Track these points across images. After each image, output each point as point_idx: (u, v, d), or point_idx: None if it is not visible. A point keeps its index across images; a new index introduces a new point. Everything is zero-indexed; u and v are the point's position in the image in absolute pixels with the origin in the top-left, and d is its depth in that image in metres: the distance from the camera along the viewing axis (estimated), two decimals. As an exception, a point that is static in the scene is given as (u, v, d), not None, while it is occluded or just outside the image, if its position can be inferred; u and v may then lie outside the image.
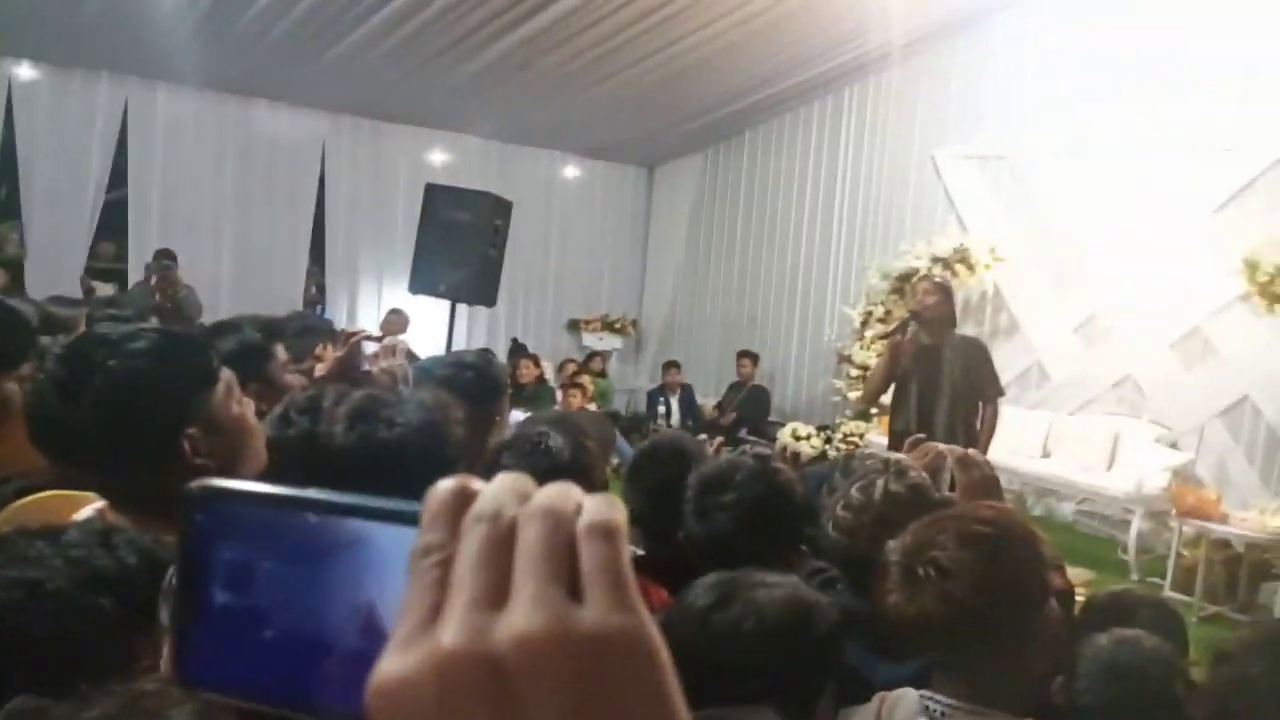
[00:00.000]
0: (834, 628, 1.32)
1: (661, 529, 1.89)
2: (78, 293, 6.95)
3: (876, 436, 7.10)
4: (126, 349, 1.23)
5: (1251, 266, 5.80)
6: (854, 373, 8.00)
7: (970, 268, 7.43)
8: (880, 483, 1.70)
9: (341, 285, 9.19)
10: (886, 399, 5.08)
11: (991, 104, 7.72)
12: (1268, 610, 5.06)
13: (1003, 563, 1.26)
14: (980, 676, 1.28)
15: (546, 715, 0.29)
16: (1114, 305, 6.92)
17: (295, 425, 1.27)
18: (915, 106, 8.26)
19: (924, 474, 1.77)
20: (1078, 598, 2.04)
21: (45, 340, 2.30)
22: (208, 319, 6.06)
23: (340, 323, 7.89)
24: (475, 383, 2.17)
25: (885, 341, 5.41)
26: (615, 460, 5.88)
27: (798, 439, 7.81)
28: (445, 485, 0.32)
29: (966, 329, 6.16)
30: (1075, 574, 2.76)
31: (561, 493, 0.32)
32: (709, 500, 1.79)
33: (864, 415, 7.67)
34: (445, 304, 6.11)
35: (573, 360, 9.47)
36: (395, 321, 7.97)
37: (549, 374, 8.91)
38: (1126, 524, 6.05)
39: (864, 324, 8.12)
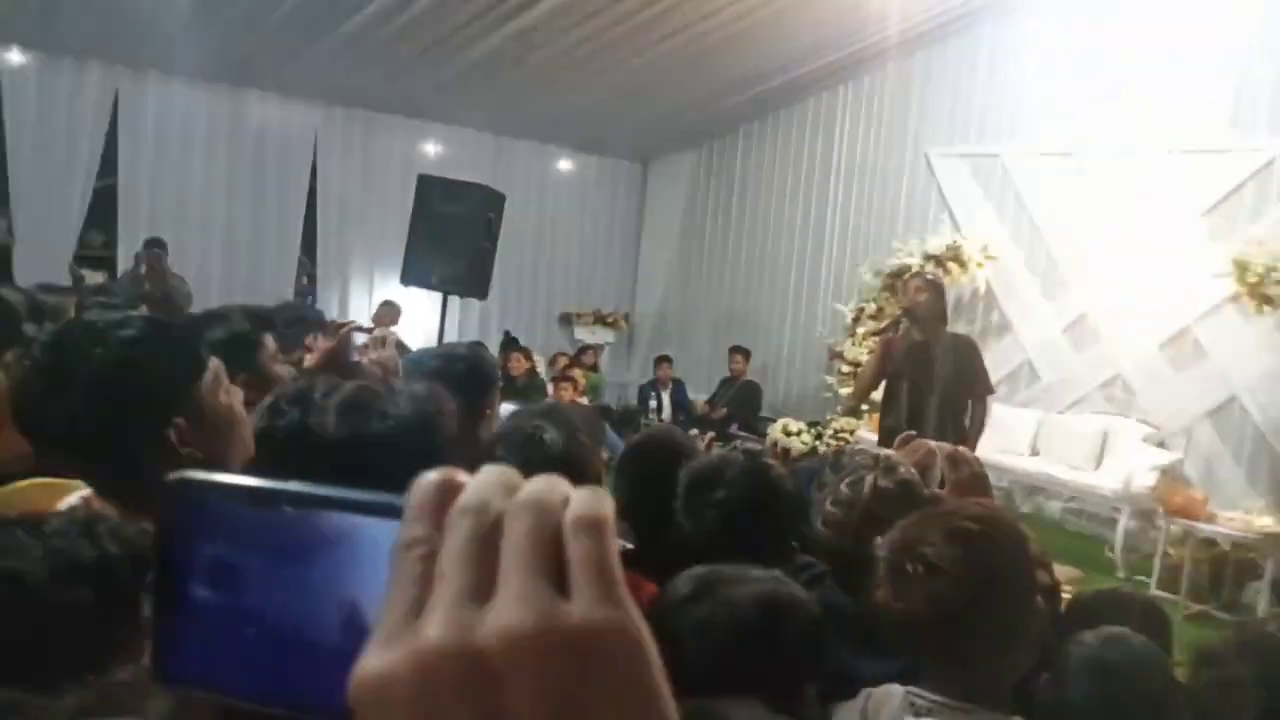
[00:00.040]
0: (811, 623, 1.32)
1: (651, 523, 1.88)
2: (66, 281, 6.90)
3: (867, 433, 7.12)
4: (114, 337, 1.22)
5: (1241, 268, 5.83)
6: (845, 369, 8.02)
7: (962, 266, 7.45)
8: (869, 479, 1.70)
9: (333, 276, 9.15)
10: (877, 395, 5.10)
11: (985, 103, 7.75)
12: (1252, 609, 5.09)
13: (990, 560, 1.26)
14: (966, 673, 1.28)
15: (533, 710, 0.28)
16: (1104, 305, 6.95)
17: (285, 416, 1.26)
18: (909, 105, 8.27)
19: (913, 470, 1.77)
20: (1064, 595, 2.06)
21: (31, 328, 2.28)
22: (197, 309, 6.03)
23: (331, 314, 7.85)
24: (466, 375, 2.15)
25: (877, 338, 5.42)
26: (606, 454, 5.88)
27: (789, 435, 7.82)
28: (430, 478, 0.32)
29: (958, 327, 6.19)
30: (1062, 572, 2.77)
31: (549, 485, 0.31)
32: (699, 497, 1.79)
33: (855, 411, 7.69)
34: (437, 296, 6.10)
35: (564, 354, 9.46)
36: (387, 313, 7.95)
37: (540, 367, 8.89)
38: (1114, 522, 6.09)
39: (856, 320, 8.14)
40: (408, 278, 6.11)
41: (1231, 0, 6.34)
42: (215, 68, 7.79)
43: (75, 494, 1.22)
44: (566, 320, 10.46)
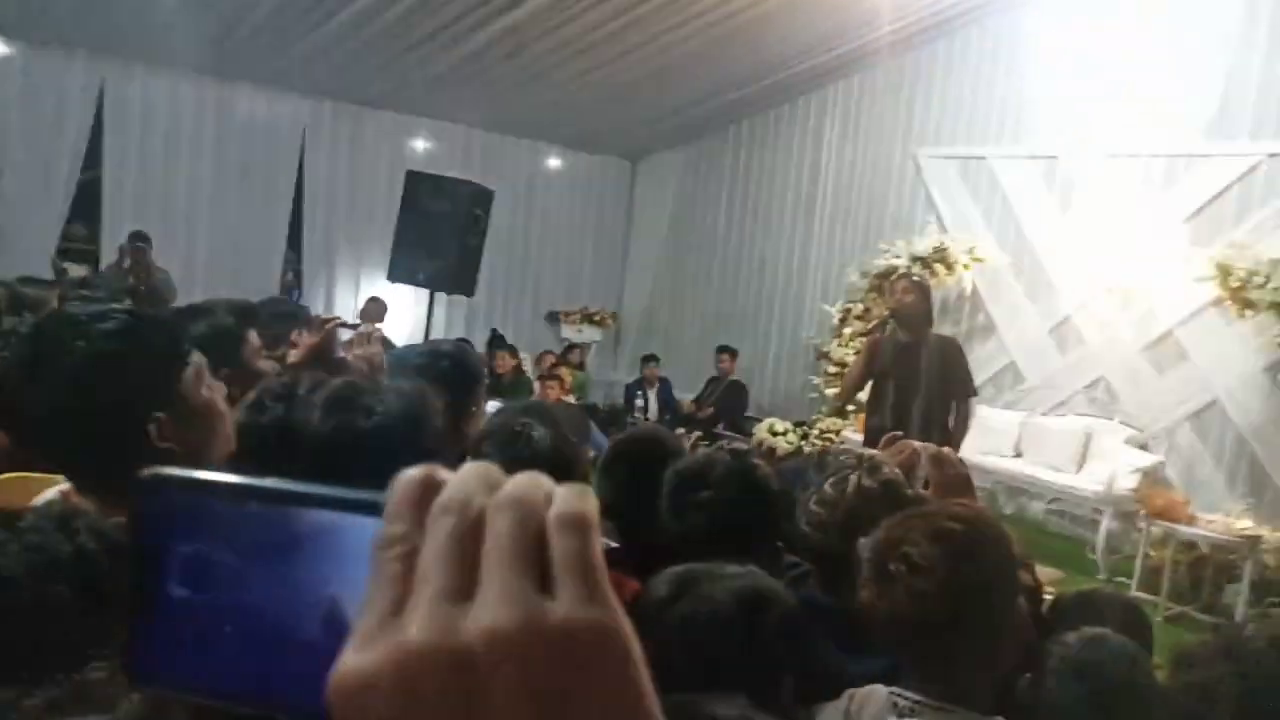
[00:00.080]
0: (788, 615, 1.32)
1: (636, 522, 1.88)
2: (48, 273, 6.83)
3: (852, 433, 7.15)
4: (94, 329, 1.21)
5: (1223, 272, 5.88)
6: (832, 370, 8.04)
7: (949, 268, 7.49)
8: (854, 479, 1.70)
9: (319, 272, 9.10)
10: (863, 396, 5.12)
11: (973, 105, 7.79)
12: (1231, 611, 5.14)
13: (973, 560, 1.27)
14: (948, 673, 1.28)
15: (516, 711, 0.28)
16: (1088, 308, 7.01)
17: (269, 412, 1.25)
18: (898, 106, 8.30)
19: (898, 471, 1.78)
20: (1046, 596, 2.07)
21: (11, 321, 2.25)
22: (181, 304, 5.98)
23: (317, 310, 7.80)
24: (451, 372, 2.14)
25: (864, 339, 5.44)
26: (591, 453, 5.87)
27: (774, 434, 7.83)
28: (411, 474, 0.31)
29: (944, 329, 6.22)
30: (1044, 572, 2.79)
31: (531, 483, 0.31)
32: (685, 497, 1.79)
33: (840, 412, 7.71)
34: (424, 293, 6.06)
35: (551, 352, 9.45)
36: (374, 310, 7.91)
37: (527, 365, 8.88)
38: (1096, 524, 6.13)
39: (842, 321, 8.17)
40: (395, 274, 6.07)
41: (1213, 7, 6.40)
42: (203, 60, 7.72)
43: (53, 488, 1.20)
44: (554, 318, 10.45)
